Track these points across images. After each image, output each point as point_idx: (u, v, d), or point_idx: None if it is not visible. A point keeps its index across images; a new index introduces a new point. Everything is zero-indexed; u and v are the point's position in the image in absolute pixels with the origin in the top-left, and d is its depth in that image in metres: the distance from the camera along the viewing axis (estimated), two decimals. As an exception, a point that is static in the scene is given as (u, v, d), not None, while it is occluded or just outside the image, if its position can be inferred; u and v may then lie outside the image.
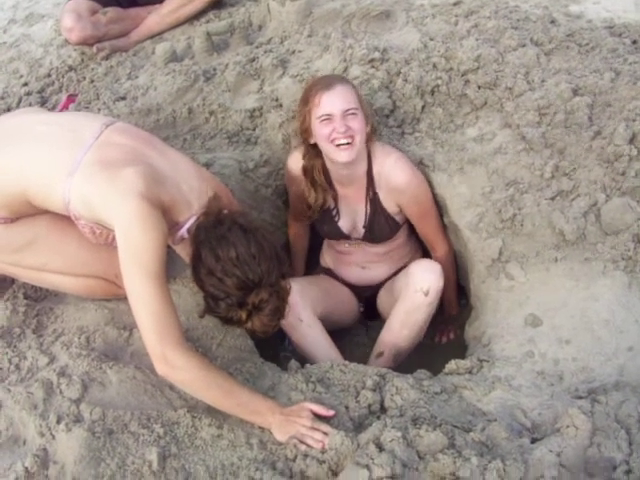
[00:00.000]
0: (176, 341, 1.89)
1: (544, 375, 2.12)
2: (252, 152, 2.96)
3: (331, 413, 1.96)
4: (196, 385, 1.93)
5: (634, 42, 3.13)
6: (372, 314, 3.07)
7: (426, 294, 2.58)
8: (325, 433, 1.86)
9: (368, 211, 2.73)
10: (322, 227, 2.88)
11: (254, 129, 2.99)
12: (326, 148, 2.52)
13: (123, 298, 2.23)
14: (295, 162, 2.74)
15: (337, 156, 2.50)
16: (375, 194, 2.70)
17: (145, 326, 1.91)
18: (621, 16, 3.44)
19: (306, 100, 2.51)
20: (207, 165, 2.87)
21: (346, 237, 2.85)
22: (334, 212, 2.79)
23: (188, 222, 2.14)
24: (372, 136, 2.60)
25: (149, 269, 1.90)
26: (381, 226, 2.76)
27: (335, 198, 2.77)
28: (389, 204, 2.72)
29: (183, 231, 2.15)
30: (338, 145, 2.47)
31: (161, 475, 1.79)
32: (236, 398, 1.94)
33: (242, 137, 2.98)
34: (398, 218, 2.78)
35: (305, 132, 2.55)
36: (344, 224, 2.80)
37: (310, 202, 2.72)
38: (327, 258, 3.06)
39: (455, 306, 3.01)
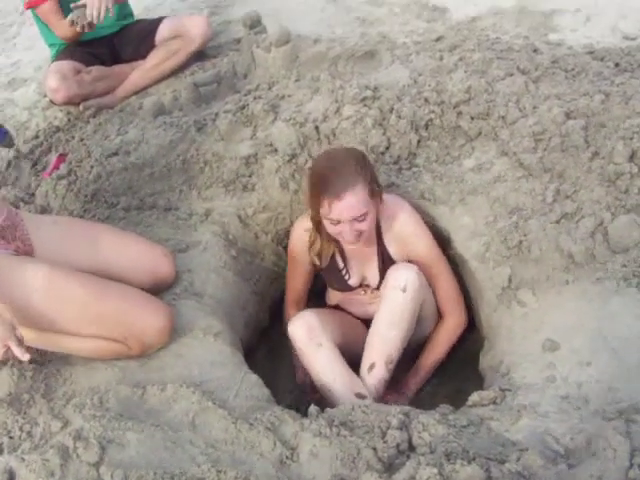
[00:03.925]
0: None
1: (569, 399, 2.07)
2: (250, 199, 2.94)
3: (26, 357, 1.98)
4: None
5: (617, 65, 3.18)
6: None
7: (404, 290, 2.52)
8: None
9: (380, 265, 2.71)
10: (332, 285, 2.89)
11: (250, 175, 2.97)
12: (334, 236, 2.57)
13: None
14: (301, 232, 2.71)
15: (344, 244, 2.60)
16: (385, 250, 2.69)
17: None
18: (600, 41, 3.53)
19: (315, 191, 2.46)
20: (205, 215, 2.85)
21: (357, 288, 2.83)
22: (344, 272, 2.77)
23: None
24: (380, 202, 2.55)
25: None
26: None
27: (342, 255, 2.75)
28: (399, 257, 2.70)
29: None
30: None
31: (191, 535, 1.72)
32: None
33: (239, 184, 2.96)
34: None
35: (313, 212, 2.55)
36: (355, 281, 2.79)
37: (315, 253, 2.71)
38: (333, 297, 3.02)
39: (421, 377, 2.80)
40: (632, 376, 2.08)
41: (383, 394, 2.63)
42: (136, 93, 3.73)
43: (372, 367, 2.59)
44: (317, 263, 2.73)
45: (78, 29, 3.44)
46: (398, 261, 2.70)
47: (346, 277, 2.77)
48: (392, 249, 2.69)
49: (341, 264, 2.76)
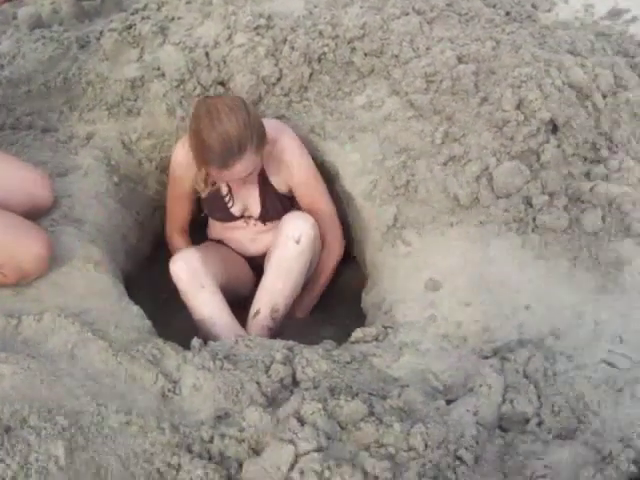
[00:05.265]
0: None
1: (449, 338, 2.15)
2: (134, 123, 2.82)
3: None
4: None
5: (507, 13, 3.24)
6: None
7: (297, 241, 2.55)
8: None
9: (261, 193, 2.70)
10: (214, 214, 2.83)
11: (135, 100, 2.84)
12: None
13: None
14: (184, 153, 2.59)
15: None
16: (266, 177, 2.67)
17: None
18: (492, -12, 3.54)
19: (199, 157, 2.40)
20: (87, 139, 2.72)
21: (239, 218, 2.80)
22: (227, 198, 2.72)
23: None
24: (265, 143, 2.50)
25: None
26: (275, 206, 2.73)
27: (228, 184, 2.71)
28: (279, 184, 2.71)
29: None
30: None
31: (70, 470, 1.66)
32: None
33: (123, 108, 2.83)
34: (291, 195, 2.77)
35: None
36: (237, 209, 2.76)
37: (201, 178, 2.63)
38: (214, 231, 2.98)
39: (309, 299, 2.89)
40: (507, 317, 2.18)
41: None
42: (9, 1, 3.45)
43: (257, 314, 2.61)
44: (201, 188, 2.66)
45: None
46: (278, 188, 2.71)
47: (229, 204, 2.73)
48: (272, 175, 2.68)
49: (225, 190, 2.71)
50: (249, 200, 2.74)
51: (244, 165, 2.37)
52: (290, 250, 2.56)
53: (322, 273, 2.85)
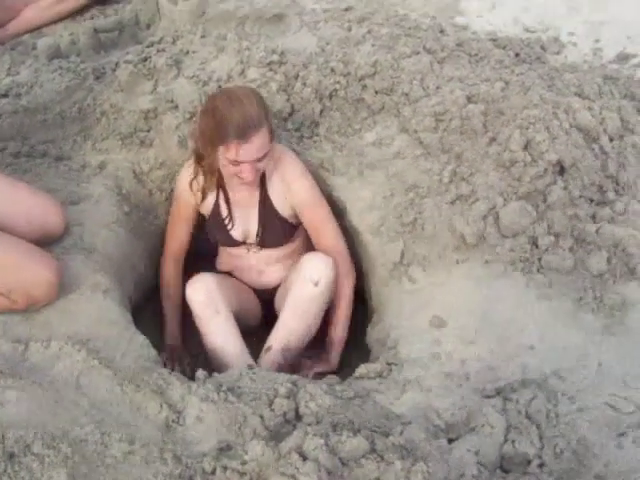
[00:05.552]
0: None
1: (452, 376, 2.15)
2: (146, 154, 2.87)
3: None
4: None
5: (517, 55, 3.28)
6: (271, 316, 3.01)
7: (316, 284, 2.57)
8: None
9: (260, 215, 2.71)
10: (215, 234, 2.84)
11: (148, 131, 2.89)
12: (228, 175, 2.55)
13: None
14: (187, 174, 2.68)
15: (239, 182, 2.55)
16: (267, 197, 2.68)
17: None
18: (502, 30, 3.61)
19: (218, 133, 2.39)
20: (99, 168, 2.76)
21: (240, 244, 2.81)
22: (227, 220, 2.74)
23: None
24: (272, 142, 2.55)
25: None
26: (275, 230, 2.74)
27: (227, 203, 2.73)
28: (282, 206, 2.70)
29: None
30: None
31: (71, 498, 1.67)
32: None
33: (136, 139, 2.88)
34: (294, 221, 2.77)
35: (206, 150, 2.50)
36: (237, 232, 2.77)
37: (198, 189, 2.69)
38: (224, 263, 2.99)
39: (337, 344, 2.76)
40: (510, 356, 2.18)
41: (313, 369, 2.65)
42: (29, 32, 3.53)
43: (268, 349, 2.61)
44: (199, 201, 2.71)
45: None
46: (280, 211, 2.70)
47: (229, 227, 2.75)
48: (275, 195, 2.68)
49: (225, 212, 2.73)
50: (249, 223, 2.75)
51: (260, 141, 2.40)
52: (308, 292, 2.59)
53: (339, 313, 2.75)
